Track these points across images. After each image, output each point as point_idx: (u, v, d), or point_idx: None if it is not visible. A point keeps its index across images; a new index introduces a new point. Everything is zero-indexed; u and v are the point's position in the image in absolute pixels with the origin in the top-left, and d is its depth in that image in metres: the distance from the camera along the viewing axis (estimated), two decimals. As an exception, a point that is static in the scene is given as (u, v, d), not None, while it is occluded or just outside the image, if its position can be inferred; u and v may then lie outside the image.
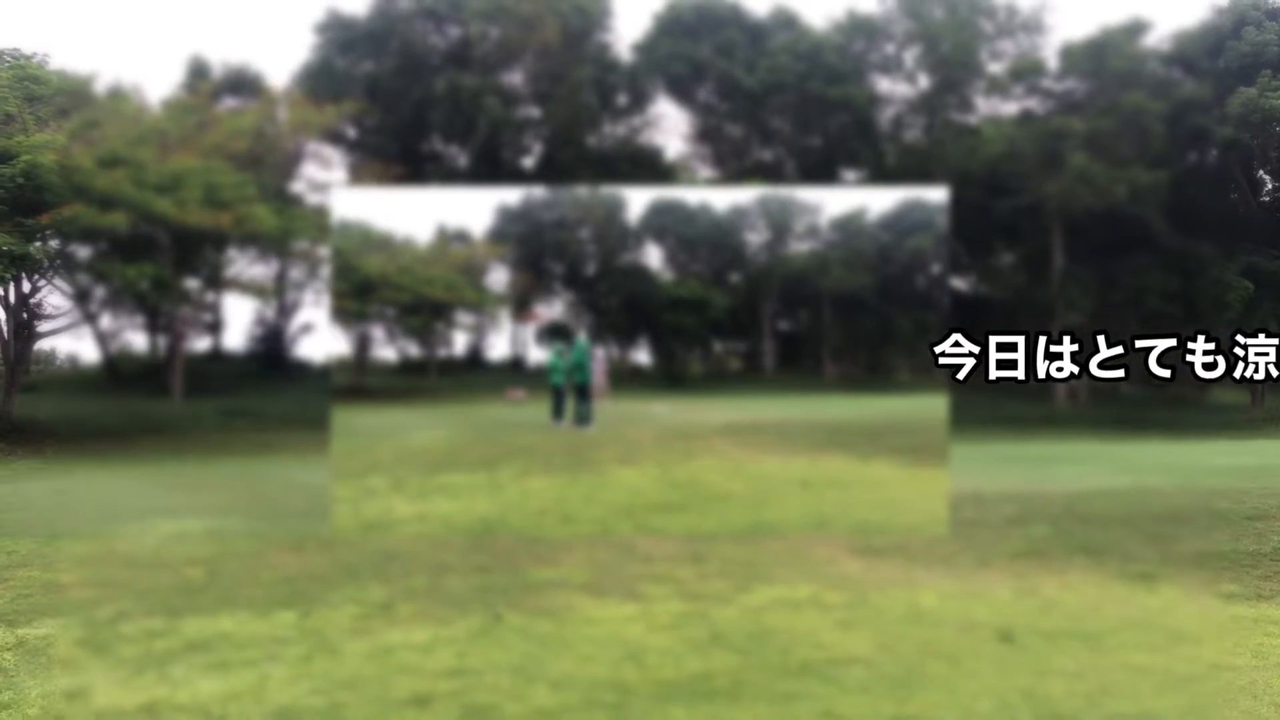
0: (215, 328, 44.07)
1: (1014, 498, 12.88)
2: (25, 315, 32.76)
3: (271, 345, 43.44)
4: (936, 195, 44.02)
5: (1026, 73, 42.66)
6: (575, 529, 11.06)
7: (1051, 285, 40.86)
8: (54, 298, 34.49)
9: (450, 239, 43.39)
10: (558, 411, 19.87)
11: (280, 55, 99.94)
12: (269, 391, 36.20)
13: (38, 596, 9.18)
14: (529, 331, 47.51)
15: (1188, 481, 14.89)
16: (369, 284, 36.58)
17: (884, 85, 46.01)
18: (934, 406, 18.52)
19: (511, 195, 45.33)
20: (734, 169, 46.47)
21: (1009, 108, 43.62)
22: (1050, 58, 42.94)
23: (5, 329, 32.25)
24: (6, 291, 31.66)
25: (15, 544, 11.21)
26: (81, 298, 35.85)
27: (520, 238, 45.51)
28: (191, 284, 37.21)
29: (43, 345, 40.13)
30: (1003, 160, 39.81)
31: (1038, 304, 40.16)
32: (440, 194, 47.11)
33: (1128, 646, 7.56)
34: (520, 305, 44.89)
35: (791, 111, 44.65)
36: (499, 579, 9.38)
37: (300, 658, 7.34)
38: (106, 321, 39.39)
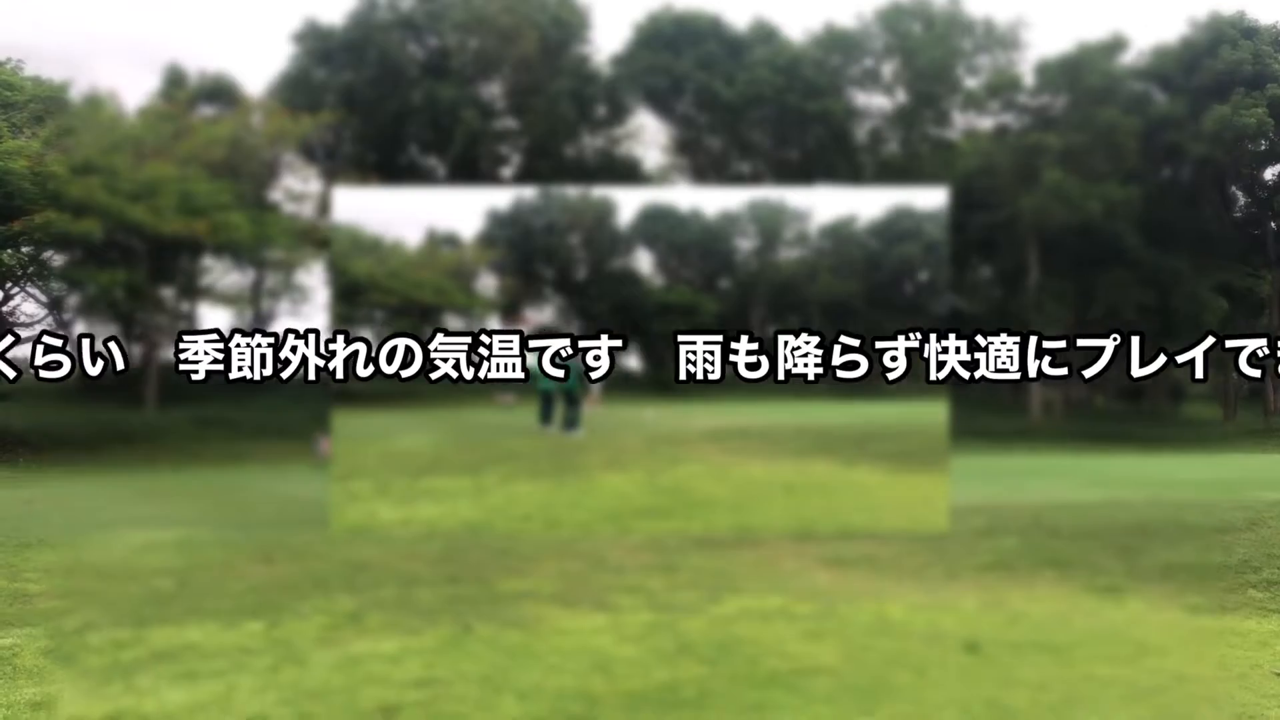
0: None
1: (983, 510, 12.92)
2: (-3, 322, 32.57)
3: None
4: (934, 199, 44.23)
5: (1003, 88, 43.03)
6: (559, 534, 11.03)
7: (1027, 299, 41.15)
8: (27, 305, 34.34)
9: (440, 243, 43.32)
10: (546, 416, 19.80)
11: (257, 64, 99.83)
12: (242, 401, 36.01)
13: (4, 606, 9.10)
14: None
15: (1158, 495, 14.95)
16: (358, 287, 36.51)
17: (861, 99, 46.38)
18: (922, 412, 18.49)
19: (501, 200, 45.32)
20: (712, 181, 46.70)
21: (985, 123, 44.03)
22: (1027, 74, 43.40)
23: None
24: (-21, 298, 31.52)
25: (-18, 553, 11.12)
26: (55, 305, 35.65)
27: (510, 242, 45.46)
28: (166, 292, 37.04)
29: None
30: (978, 175, 40.09)
31: (1013, 318, 40.37)
32: (434, 194, 46.95)
33: (1093, 658, 7.61)
34: (509, 310, 44.75)
35: (770, 124, 44.90)
36: (469, 590, 9.37)
37: (268, 668, 7.31)
38: (80, 329, 39.10)
